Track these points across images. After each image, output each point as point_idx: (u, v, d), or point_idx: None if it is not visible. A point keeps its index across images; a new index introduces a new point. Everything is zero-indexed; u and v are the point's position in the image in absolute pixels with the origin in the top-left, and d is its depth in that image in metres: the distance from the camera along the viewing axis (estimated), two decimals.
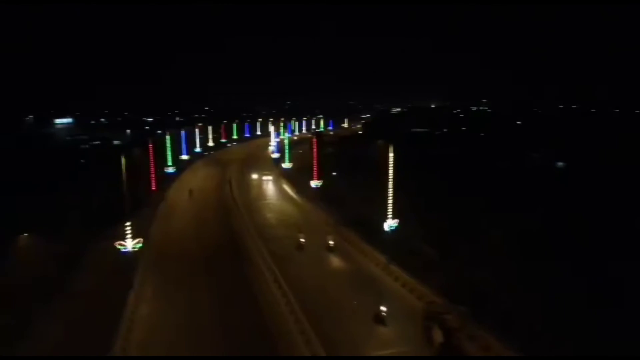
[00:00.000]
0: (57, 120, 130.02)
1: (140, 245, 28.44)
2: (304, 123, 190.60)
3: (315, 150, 49.64)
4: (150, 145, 45.05)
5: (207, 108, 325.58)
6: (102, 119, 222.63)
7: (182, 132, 76.57)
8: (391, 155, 31.37)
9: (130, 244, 27.63)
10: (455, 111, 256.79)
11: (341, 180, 56.59)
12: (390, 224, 31.63)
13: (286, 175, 67.95)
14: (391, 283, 28.81)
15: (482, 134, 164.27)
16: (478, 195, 55.76)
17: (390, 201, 31.52)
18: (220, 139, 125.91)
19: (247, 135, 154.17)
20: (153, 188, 46.01)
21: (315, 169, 48.28)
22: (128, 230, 27.67)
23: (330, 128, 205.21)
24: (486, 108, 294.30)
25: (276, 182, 67.91)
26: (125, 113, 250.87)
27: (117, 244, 27.51)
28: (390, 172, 31.58)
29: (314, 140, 50.65)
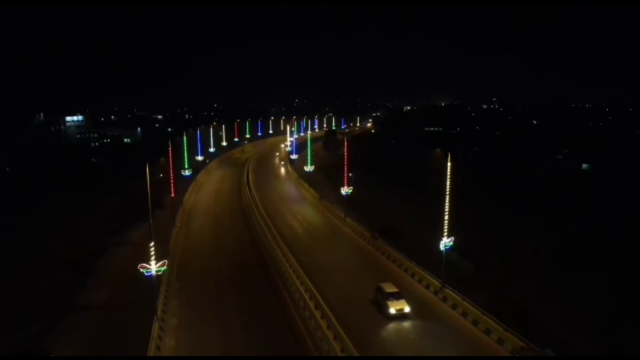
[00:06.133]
0: (68, 118, 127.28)
1: (164, 268, 24.78)
2: (316, 122, 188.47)
3: (346, 155, 45.82)
4: (170, 149, 41.35)
5: (215, 105, 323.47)
6: (112, 117, 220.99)
7: (198, 132, 73.28)
8: (449, 164, 27.25)
9: (154, 267, 23.97)
10: (467, 109, 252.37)
11: (361, 182, 52.71)
12: (445, 242, 27.61)
13: (309, 180, 64.31)
14: (448, 310, 25.77)
15: (498, 133, 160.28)
16: (511, 204, 52.31)
17: (446, 217, 27.45)
18: (234, 137, 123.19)
19: (260, 133, 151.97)
20: (172, 195, 42.40)
21: (346, 175, 44.45)
22: (152, 251, 24.00)
23: (343, 127, 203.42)
24: (497, 106, 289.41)
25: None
26: (135, 110, 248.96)
27: (140, 267, 23.88)
28: (448, 184, 27.46)
29: (347, 144, 46.78)
